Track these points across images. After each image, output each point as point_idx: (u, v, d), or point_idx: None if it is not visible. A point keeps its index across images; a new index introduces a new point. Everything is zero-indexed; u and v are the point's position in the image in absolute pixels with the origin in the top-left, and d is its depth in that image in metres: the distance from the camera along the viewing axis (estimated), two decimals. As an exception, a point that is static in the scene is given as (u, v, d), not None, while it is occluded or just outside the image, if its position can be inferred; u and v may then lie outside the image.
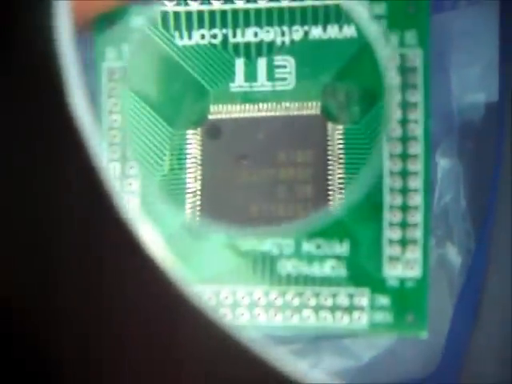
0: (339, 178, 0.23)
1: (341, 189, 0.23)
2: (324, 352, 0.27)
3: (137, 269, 0.16)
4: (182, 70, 0.24)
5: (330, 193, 0.23)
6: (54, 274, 0.16)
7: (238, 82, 0.24)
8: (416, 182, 0.23)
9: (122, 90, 0.24)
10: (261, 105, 0.24)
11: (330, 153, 0.23)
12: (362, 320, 0.23)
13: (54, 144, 0.16)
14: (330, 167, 0.23)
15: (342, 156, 0.23)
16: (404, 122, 0.24)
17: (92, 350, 0.16)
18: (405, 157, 0.23)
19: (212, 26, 0.24)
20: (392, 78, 0.23)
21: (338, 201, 0.23)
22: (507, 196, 0.27)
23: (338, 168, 0.23)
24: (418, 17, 0.23)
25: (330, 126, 0.23)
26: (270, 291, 0.24)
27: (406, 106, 0.23)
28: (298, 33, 0.24)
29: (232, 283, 0.24)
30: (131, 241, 0.15)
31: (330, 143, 0.23)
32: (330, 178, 0.23)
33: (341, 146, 0.23)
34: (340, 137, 0.23)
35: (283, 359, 0.16)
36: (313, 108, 0.23)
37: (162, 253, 0.15)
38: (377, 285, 0.23)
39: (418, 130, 0.23)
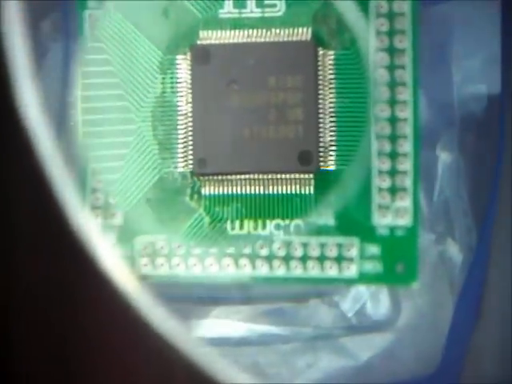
0: (330, 103, 0.23)
1: (331, 112, 0.23)
2: (321, 351, 0.27)
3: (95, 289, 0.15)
4: None
5: (321, 116, 0.23)
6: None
7: (228, 9, 0.24)
8: (405, 129, 0.23)
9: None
10: (250, 31, 0.24)
11: (320, 78, 0.23)
12: (351, 270, 0.23)
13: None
14: (320, 92, 0.23)
15: (332, 81, 0.23)
16: (392, 67, 0.23)
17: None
18: (393, 103, 0.23)
19: None
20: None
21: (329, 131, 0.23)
22: (509, 191, 0.26)
23: (329, 93, 0.23)
24: None
25: (320, 51, 0.23)
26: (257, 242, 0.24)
27: (394, 51, 0.23)
28: None
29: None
30: (88, 261, 0.15)
31: (320, 68, 0.23)
32: (320, 102, 0.23)
33: (331, 72, 0.23)
34: (331, 62, 0.24)
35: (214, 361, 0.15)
36: (303, 34, 0.24)
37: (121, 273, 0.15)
38: (366, 234, 0.23)
39: (406, 75, 0.23)
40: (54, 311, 0.16)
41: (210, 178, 0.24)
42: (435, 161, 0.27)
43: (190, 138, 0.24)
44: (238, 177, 0.24)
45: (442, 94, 0.27)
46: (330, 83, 0.24)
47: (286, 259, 0.24)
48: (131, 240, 0.24)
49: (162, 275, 0.24)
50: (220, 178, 0.24)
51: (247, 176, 0.24)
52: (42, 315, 0.16)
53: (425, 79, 0.25)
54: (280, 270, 0.24)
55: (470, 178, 0.27)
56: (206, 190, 0.24)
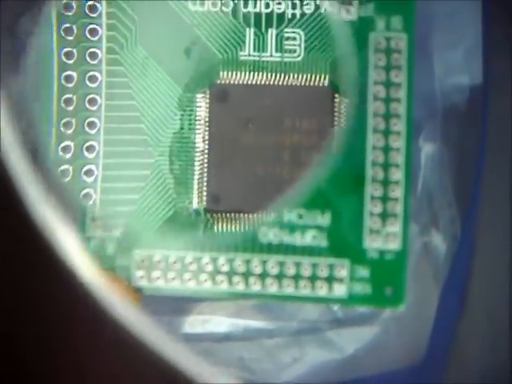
0: None
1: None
2: (307, 345, 0.26)
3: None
4: (194, 35, 0.25)
5: None
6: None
7: (248, 51, 0.24)
8: (398, 158, 0.24)
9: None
10: (269, 74, 0.24)
11: (335, 123, 0.24)
12: (341, 290, 0.24)
13: None
14: (335, 136, 0.24)
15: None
16: (388, 100, 0.24)
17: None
18: (387, 133, 0.24)
19: None
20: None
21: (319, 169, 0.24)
22: (493, 181, 0.26)
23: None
24: (404, 3, 0.24)
25: (337, 97, 0.24)
26: (250, 259, 0.24)
27: (390, 85, 0.24)
28: (308, 6, 0.24)
29: (213, 251, 0.24)
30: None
31: (336, 114, 0.24)
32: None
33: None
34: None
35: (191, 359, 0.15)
36: (321, 80, 0.24)
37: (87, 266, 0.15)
38: (357, 256, 0.24)
39: (401, 108, 0.24)
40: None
41: (223, 215, 0.24)
42: (418, 152, 0.27)
43: (206, 174, 0.24)
44: (251, 215, 0.24)
45: (425, 85, 0.27)
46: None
47: (279, 277, 0.24)
48: (129, 252, 0.24)
49: (158, 288, 0.24)
50: (232, 215, 0.24)
51: (259, 215, 0.24)
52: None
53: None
54: (272, 288, 0.24)
55: (453, 168, 0.27)
56: (219, 227, 0.24)
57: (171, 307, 0.27)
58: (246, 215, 0.24)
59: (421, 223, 0.27)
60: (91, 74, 0.25)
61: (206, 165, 0.24)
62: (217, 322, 0.27)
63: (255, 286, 0.24)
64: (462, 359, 0.26)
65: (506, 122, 0.26)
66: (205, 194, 0.24)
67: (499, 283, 0.26)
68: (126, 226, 0.24)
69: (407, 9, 0.24)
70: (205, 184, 0.24)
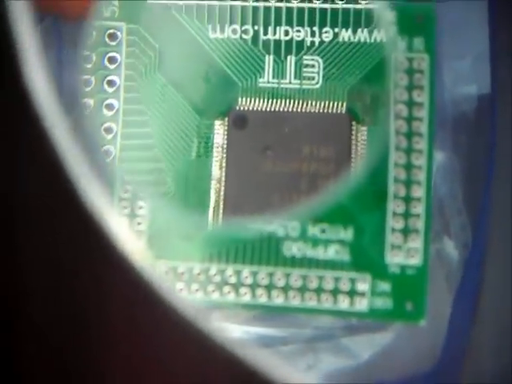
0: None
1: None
2: (322, 352, 0.27)
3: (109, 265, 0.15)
4: (213, 62, 0.25)
5: None
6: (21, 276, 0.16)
7: (267, 78, 0.25)
8: (419, 176, 0.24)
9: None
10: (287, 101, 0.24)
11: (353, 151, 0.24)
12: (362, 304, 0.24)
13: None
14: (352, 164, 0.24)
15: (364, 155, 0.24)
16: (410, 119, 0.24)
17: (64, 351, 0.16)
18: (409, 151, 0.24)
19: (244, 21, 0.25)
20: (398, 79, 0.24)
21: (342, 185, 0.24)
22: (503, 188, 0.27)
23: (361, 165, 0.24)
24: (425, 25, 0.25)
25: (354, 125, 0.24)
26: (274, 272, 0.24)
27: (412, 104, 0.24)
28: (327, 34, 0.24)
29: (237, 263, 0.24)
30: (102, 236, 0.15)
31: (353, 142, 0.24)
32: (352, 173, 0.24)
33: (363, 146, 0.24)
34: (364, 137, 0.24)
35: (269, 361, 0.15)
36: (338, 108, 0.24)
37: (137, 250, 0.15)
38: (378, 271, 0.24)
39: (422, 127, 0.24)
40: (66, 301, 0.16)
41: None
42: (429, 161, 0.27)
43: (222, 202, 0.24)
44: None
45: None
46: (362, 156, 0.24)
47: (302, 290, 0.24)
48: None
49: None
50: None
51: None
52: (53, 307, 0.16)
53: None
54: (295, 301, 0.24)
55: (463, 176, 0.27)
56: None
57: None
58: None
59: (433, 231, 0.27)
60: (109, 101, 0.25)
61: (222, 193, 0.24)
62: (230, 330, 0.27)
63: (278, 299, 0.24)
64: (476, 365, 0.26)
65: (515, 130, 0.27)
66: (221, 221, 0.24)
67: (510, 289, 0.26)
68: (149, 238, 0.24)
69: (428, 29, 0.24)
70: (220, 212, 0.24)
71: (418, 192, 0.24)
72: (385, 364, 0.26)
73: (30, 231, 0.16)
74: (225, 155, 0.24)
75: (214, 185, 0.24)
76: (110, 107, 0.25)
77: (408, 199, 0.24)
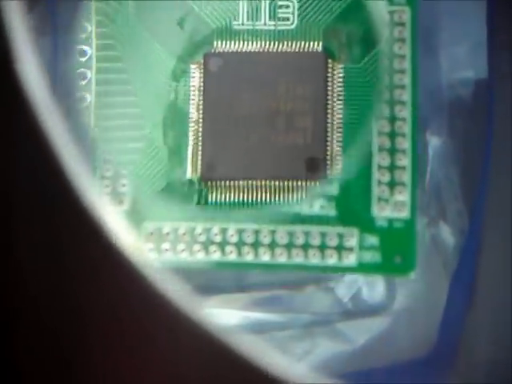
0: (338, 113, 0.24)
1: (339, 123, 0.24)
2: (318, 337, 0.27)
3: (101, 258, 0.15)
4: (187, 7, 0.25)
5: (328, 125, 0.24)
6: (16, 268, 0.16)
7: (241, 20, 0.25)
8: (404, 128, 0.24)
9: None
10: (263, 42, 0.25)
11: (329, 88, 0.24)
12: (350, 259, 0.24)
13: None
14: (328, 102, 0.24)
15: (341, 93, 0.24)
16: (392, 72, 0.24)
17: (56, 342, 0.16)
18: (392, 103, 0.24)
19: None
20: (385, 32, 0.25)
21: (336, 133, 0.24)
22: (499, 174, 0.27)
23: (338, 104, 0.24)
24: None
25: (330, 63, 0.24)
26: (259, 230, 0.24)
27: (395, 57, 0.25)
28: None
29: (222, 222, 0.24)
30: (94, 229, 0.15)
31: (329, 80, 0.24)
32: (328, 111, 0.24)
33: (340, 84, 0.24)
34: (340, 75, 0.24)
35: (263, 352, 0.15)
36: (314, 47, 0.24)
37: (128, 240, 0.15)
38: (366, 225, 0.24)
39: (406, 78, 0.24)
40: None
41: (218, 183, 0.24)
42: (425, 146, 0.27)
43: (200, 144, 0.24)
44: (245, 182, 0.24)
45: (431, 80, 0.27)
46: (339, 94, 0.24)
47: (288, 247, 0.24)
48: (138, 225, 0.24)
49: (166, 261, 0.24)
50: (227, 183, 0.24)
51: (254, 182, 0.24)
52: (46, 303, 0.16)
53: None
54: (282, 258, 0.24)
55: (460, 161, 0.27)
56: (213, 197, 0.24)
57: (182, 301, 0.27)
58: (240, 182, 0.24)
59: (429, 216, 0.27)
60: (80, 47, 0.25)
61: (200, 134, 0.24)
62: (228, 315, 0.27)
63: (264, 256, 0.24)
64: (471, 350, 0.26)
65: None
66: (199, 164, 0.24)
67: (507, 276, 0.26)
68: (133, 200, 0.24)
69: None
70: (199, 154, 0.24)
71: (403, 144, 0.24)
72: (381, 349, 0.26)
73: (27, 228, 0.16)
74: (201, 98, 0.24)
75: (192, 127, 0.24)
76: (82, 54, 0.25)
77: (393, 151, 0.24)
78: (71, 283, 0.15)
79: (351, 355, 0.26)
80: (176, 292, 0.15)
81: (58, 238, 0.15)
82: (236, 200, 0.24)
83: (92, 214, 0.15)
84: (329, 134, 0.24)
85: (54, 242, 0.15)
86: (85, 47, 0.25)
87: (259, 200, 0.24)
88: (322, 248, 0.24)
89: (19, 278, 0.16)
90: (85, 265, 0.15)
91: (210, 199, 0.24)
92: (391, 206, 0.24)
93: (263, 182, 0.24)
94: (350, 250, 0.24)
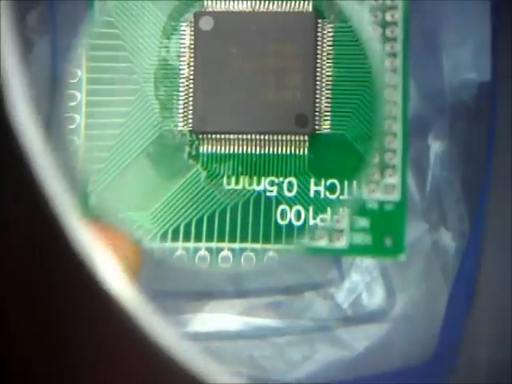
0: (326, 71, 0.24)
1: (327, 80, 0.24)
2: (317, 343, 0.27)
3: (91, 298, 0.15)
4: None
5: (318, 82, 0.24)
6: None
7: None
8: (394, 111, 0.24)
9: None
10: (253, 2, 0.25)
11: (318, 47, 0.24)
12: (341, 241, 0.24)
13: None
14: (318, 60, 0.24)
15: (330, 51, 0.25)
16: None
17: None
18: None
19: None
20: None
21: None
22: (501, 178, 0.26)
23: (326, 62, 0.24)
24: None
25: (320, 22, 0.25)
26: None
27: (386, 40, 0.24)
28: None
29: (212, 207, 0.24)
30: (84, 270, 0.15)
31: (319, 39, 0.24)
32: (317, 69, 0.24)
33: (330, 42, 0.25)
34: (330, 33, 0.25)
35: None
36: (304, 7, 0.25)
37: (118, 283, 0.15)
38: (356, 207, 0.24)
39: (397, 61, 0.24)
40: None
41: (209, 136, 0.24)
42: (427, 150, 0.27)
43: (191, 98, 0.24)
44: (236, 136, 0.24)
45: (433, 82, 0.27)
46: (328, 53, 0.24)
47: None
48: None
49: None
50: (218, 136, 0.24)
51: (244, 136, 0.24)
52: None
53: (416, 68, 0.25)
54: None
55: (461, 165, 0.27)
56: (204, 149, 0.25)
57: (181, 305, 0.27)
58: (231, 136, 0.24)
59: (430, 221, 0.27)
60: None
61: (191, 90, 0.25)
62: (227, 320, 0.27)
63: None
64: (471, 356, 0.26)
65: (514, 119, 0.26)
66: (190, 116, 0.24)
67: (507, 281, 0.26)
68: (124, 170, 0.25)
69: None
70: (190, 108, 0.24)
71: (394, 127, 0.24)
72: (380, 355, 0.26)
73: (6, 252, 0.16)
74: (192, 55, 0.25)
75: (182, 83, 0.25)
76: None
77: (384, 134, 0.24)
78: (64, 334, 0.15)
79: (350, 361, 0.26)
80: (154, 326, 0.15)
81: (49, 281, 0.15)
82: (227, 152, 0.25)
83: (82, 257, 0.14)
84: (318, 92, 0.24)
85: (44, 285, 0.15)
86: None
87: (250, 152, 0.25)
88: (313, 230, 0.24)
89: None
90: (77, 312, 0.15)
91: (201, 150, 0.25)
92: (382, 189, 0.24)
93: (253, 136, 0.24)
94: (341, 231, 0.24)
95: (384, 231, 0.24)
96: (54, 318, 0.16)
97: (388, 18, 0.24)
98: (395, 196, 0.24)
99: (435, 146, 0.27)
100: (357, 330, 0.27)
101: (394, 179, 0.24)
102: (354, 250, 0.24)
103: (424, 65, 0.26)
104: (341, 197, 0.24)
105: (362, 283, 0.27)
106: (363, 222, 0.24)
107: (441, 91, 0.27)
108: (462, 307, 0.26)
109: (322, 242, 0.24)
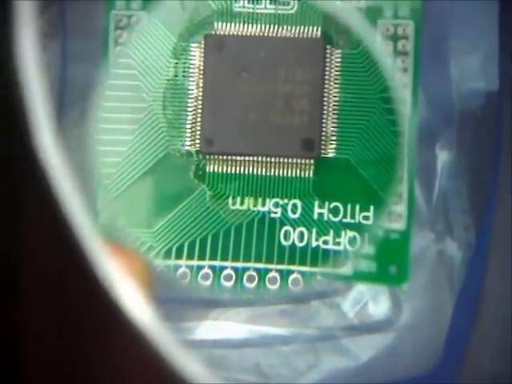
0: (334, 96, 0.25)
1: (334, 105, 0.25)
2: (323, 352, 0.27)
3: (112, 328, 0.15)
4: None
5: (325, 108, 0.25)
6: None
7: (242, 3, 0.25)
8: (401, 138, 0.24)
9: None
10: (263, 26, 0.25)
11: (326, 73, 0.25)
12: (346, 267, 0.24)
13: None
14: (325, 86, 0.25)
15: (338, 77, 0.25)
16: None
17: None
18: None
19: None
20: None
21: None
22: (508, 188, 0.26)
23: (334, 87, 0.25)
24: None
25: (328, 48, 0.25)
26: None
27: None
28: None
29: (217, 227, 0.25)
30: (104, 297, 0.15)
31: (327, 64, 0.25)
32: (325, 95, 0.25)
33: (338, 68, 0.25)
34: (338, 60, 0.25)
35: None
36: (313, 32, 0.25)
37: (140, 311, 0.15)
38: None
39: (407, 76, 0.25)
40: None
41: (215, 156, 0.25)
42: (434, 160, 0.27)
43: (199, 119, 0.25)
44: (242, 158, 0.25)
45: (441, 91, 0.27)
46: (335, 78, 0.25)
47: None
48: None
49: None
50: (225, 157, 0.25)
51: (251, 158, 0.25)
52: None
53: (423, 76, 0.25)
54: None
55: (468, 175, 0.27)
56: (210, 168, 0.25)
57: (187, 313, 0.27)
58: (237, 158, 0.25)
59: (436, 231, 0.27)
60: None
61: (199, 110, 0.25)
62: (233, 328, 0.27)
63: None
64: (476, 367, 0.26)
65: (522, 128, 0.26)
66: (198, 137, 0.25)
67: (513, 291, 0.26)
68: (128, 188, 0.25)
69: None
70: (198, 128, 0.25)
71: (401, 156, 0.24)
72: (385, 365, 0.26)
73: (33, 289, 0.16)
74: (201, 76, 0.25)
75: (191, 103, 0.25)
76: None
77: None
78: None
79: (355, 371, 0.26)
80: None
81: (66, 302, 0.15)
82: (233, 172, 0.25)
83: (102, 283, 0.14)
84: (324, 117, 0.25)
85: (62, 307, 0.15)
86: None
87: (255, 174, 0.25)
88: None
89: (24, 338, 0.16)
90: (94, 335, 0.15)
91: (207, 170, 0.25)
92: (388, 217, 0.24)
93: (259, 158, 0.25)
94: (346, 258, 0.24)
95: (389, 259, 0.24)
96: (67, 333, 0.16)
97: (400, 35, 0.25)
98: (401, 225, 0.24)
99: (443, 156, 0.27)
100: (362, 339, 0.27)
101: (400, 208, 0.24)
102: (359, 276, 0.24)
103: (432, 74, 0.26)
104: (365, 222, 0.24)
105: (368, 293, 0.27)
106: (369, 250, 0.24)
107: (448, 100, 0.27)
108: (468, 317, 0.26)
109: (328, 268, 0.24)
